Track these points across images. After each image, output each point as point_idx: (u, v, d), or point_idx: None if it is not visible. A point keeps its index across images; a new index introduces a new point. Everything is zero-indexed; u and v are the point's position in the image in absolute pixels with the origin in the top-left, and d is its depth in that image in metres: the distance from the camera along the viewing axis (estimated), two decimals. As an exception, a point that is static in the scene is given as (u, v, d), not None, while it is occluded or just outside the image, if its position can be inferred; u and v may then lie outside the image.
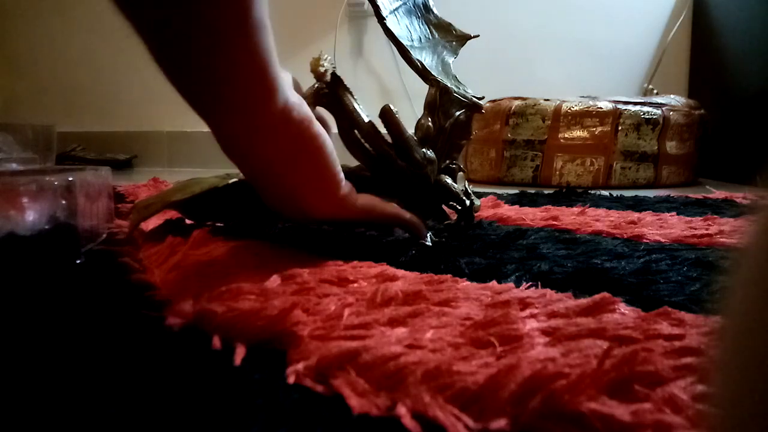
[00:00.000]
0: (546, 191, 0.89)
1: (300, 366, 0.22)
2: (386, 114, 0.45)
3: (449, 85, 0.50)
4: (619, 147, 1.11)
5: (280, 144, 0.34)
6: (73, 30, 1.62)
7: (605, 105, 1.12)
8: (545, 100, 1.17)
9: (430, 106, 0.50)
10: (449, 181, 0.50)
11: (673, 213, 0.62)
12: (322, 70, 0.45)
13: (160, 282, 0.34)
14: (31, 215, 0.39)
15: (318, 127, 0.36)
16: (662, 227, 0.53)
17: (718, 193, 0.86)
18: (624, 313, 0.26)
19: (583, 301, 0.28)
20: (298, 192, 0.37)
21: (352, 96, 0.46)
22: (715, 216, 0.59)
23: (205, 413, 0.19)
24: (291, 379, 0.21)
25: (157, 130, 1.60)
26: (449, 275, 0.34)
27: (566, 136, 1.13)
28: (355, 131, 0.46)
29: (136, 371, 0.23)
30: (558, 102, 1.15)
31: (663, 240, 0.48)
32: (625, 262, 0.39)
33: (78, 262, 0.40)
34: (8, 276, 0.36)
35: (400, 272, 0.35)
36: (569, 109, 1.13)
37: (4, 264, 0.38)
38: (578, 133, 1.13)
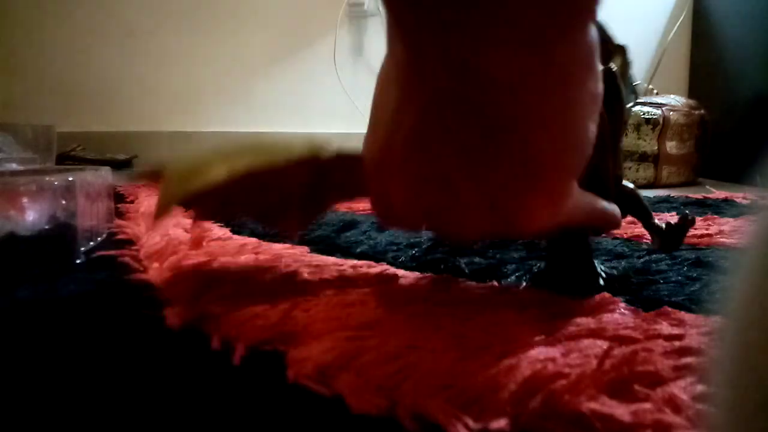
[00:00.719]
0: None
1: (300, 366, 0.22)
2: (614, 79, 0.31)
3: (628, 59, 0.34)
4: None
5: (568, 94, 0.21)
6: (74, 30, 1.62)
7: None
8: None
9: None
10: (635, 189, 0.35)
11: (673, 213, 0.62)
12: None
13: (160, 282, 0.34)
14: (31, 215, 0.39)
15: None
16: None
17: (718, 193, 0.86)
18: (624, 313, 0.26)
19: (583, 301, 0.28)
20: (537, 176, 0.22)
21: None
22: (715, 216, 0.59)
23: (204, 413, 0.19)
24: (291, 379, 0.21)
25: (157, 130, 1.59)
26: (449, 275, 0.34)
27: (566, 136, 1.13)
28: None
29: (135, 371, 0.23)
30: (558, 102, 1.15)
31: (663, 240, 0.48)
32: (625, 262, 0.39)
33: (78, 262, 0.40)
34: (8, 276, 0.36)
35: (401, 272, 0.35)
36: (569, 109, 1.13)
37: (5, 264, 0.38)
38: (578, 133, 1.13)
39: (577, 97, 0.21)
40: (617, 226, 0.30)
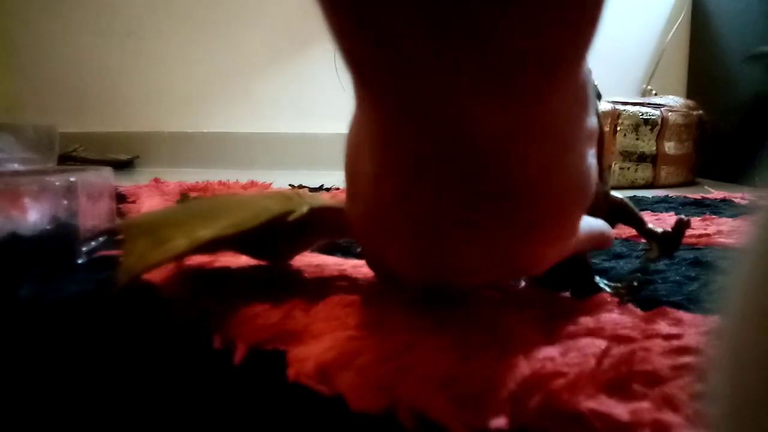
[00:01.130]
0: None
1: (300, 365, 0.22)
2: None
3: None
4: (617, 147, 1.11)
5: (565, 136, 0.20)
6: (75, 30, 1.62)
7: (604, 105, 1.12)
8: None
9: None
10: (624, 199, 0.35)
11: (672, 213, 0.63)
12: None
13: (160, 282, 0.34)
14: (33, 215, 0.39)
15: None
16: (660, 227, 0.53)
17: (716, 194, 0.86)
18: (622, 312, 0.27)
19: (582, 300, 0.28)
20: (544, 216, 0.21)
21: None
22: (714, 216, 0.59)
23: (204, 413, 0.20)
24: (291, 379, 0.21)
25: (158, 130, 1.60)
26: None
27: (566, 136, 1.13)
28: None
29: (135, 371, 0.23)
30: (557, 102, 1.15)
31: (662, 240, 0.48)
32: (623, 262, 0.39)
33: (79, 262, 0.40)
34: (10, 276, 0.36)
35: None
36: (569, 109, 1.13)
37: (6, 264, 0.38)
38: (578, 133, 1.13)
39: (575, 137, 0.20)
40: (611, 244, 0.30)
